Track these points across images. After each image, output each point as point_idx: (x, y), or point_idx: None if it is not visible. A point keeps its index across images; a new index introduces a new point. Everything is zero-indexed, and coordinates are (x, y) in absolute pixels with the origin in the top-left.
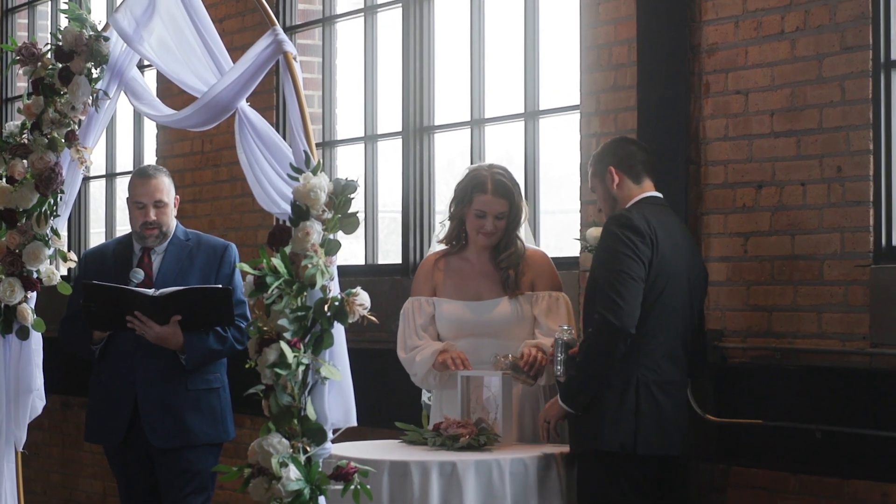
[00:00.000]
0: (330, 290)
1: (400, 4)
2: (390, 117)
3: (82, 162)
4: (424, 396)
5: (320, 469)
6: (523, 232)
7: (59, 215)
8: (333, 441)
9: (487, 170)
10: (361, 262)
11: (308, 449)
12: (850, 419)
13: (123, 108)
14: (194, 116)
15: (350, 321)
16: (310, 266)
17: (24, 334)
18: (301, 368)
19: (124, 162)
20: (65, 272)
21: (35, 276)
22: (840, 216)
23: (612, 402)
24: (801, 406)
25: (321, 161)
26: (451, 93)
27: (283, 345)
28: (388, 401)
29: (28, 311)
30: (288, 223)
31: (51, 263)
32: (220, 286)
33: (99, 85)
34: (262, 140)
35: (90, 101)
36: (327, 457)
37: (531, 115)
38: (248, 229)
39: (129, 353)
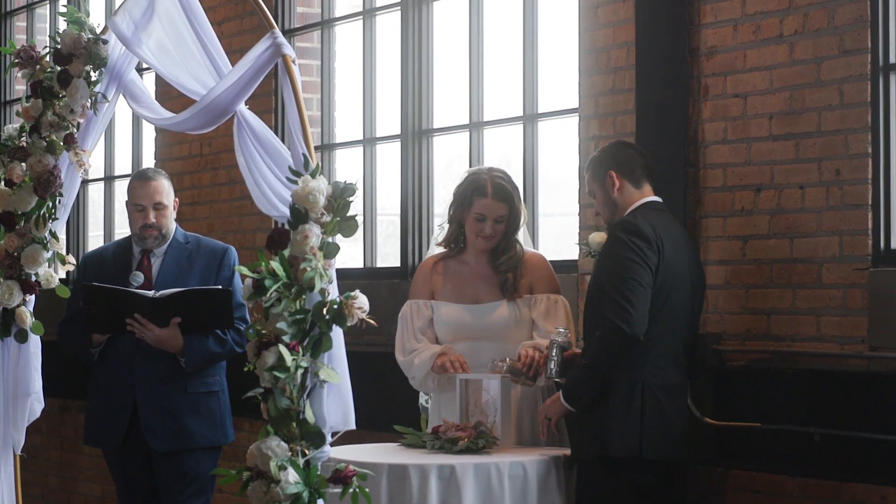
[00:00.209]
0: (328, 294)
1: (399, 7)
2: (389, 120)
3: (81, 165)
4: (422, 399)
5: (319, 472)
6: (521, 235)
7: (57, 218)
8: (332, 444)
9: (487, 173)
10: (360, 265)
11: (307, 452)
12: (849, 422)
13: (122, 111)
14: (193, 119)
15: (349, 324)
16: (308, 269)
17: (22, 337)
18: (300, 372)
19: (123, 165)
20: (63, 275)
21: (33, 279)
22: (839, 219)
23: (617, 407)
24: (800, 409)
25: (320, 164)
26: (450, 96)
27: (282, 348)
28: (386, 404)
29: (26, 314)
30: (286, 226)
31: (49, 266)
32: (220, 287)
33: (97, 88)
34: (260, 143)
35: (89, 105)
36: (326, 460)
37: (530, 118)
38: (247, 232)
39: (129, 357)
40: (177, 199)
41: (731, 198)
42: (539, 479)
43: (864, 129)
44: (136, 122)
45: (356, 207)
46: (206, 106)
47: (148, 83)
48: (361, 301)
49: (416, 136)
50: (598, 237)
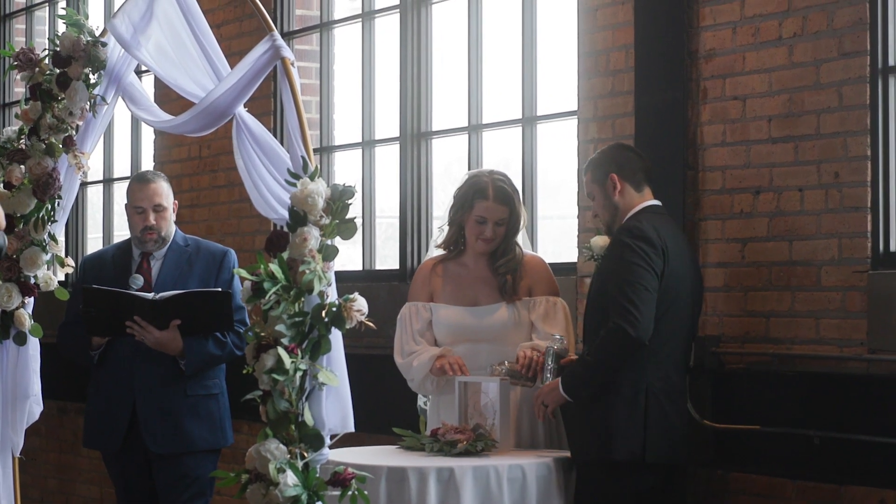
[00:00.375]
0: (327, 296)
1: (398, 10)
2: (388, 123)
3: (80, 167)
4: (420, 401)
5: (318, 475)
6: (521, 238)
7: (56, 220)
8: (331, 447)
9: (488, 176)
10: (359, 267)
11: (305, 455)
12: (848, 425)
13: (121, 114)
14: (192, 122)
15: (348, 327)
16: (307, 272)
17: (21, 340)
18: (298, 374)
19: (122, 167)
20: (62, 277)
21: (32, 281)
22: (838, 222)
23: (621, 410)
24: (799, 412)
25: (319, 166)
26: (449, 98)
27: (281, 350)
28: (385, 406)
29: (25, 316)
30: (285, 229)
31: (48, 269)
32: (220, 290)
33: (97, 90)
34: (259, 145)
35: (88, 107)
36: (325, 462)
37: (529, 120)
38: (246, 235)
39: (128, 359)
40: (176, 202)
41: (730, 200)
42: (538, 482)
43: (864, 131)
44: (135, 124)
45: (355, 210)
46: (205, 108)
47: (147, 86)
48: (360, 303)
49: (415, 139)
50: (601, 241)
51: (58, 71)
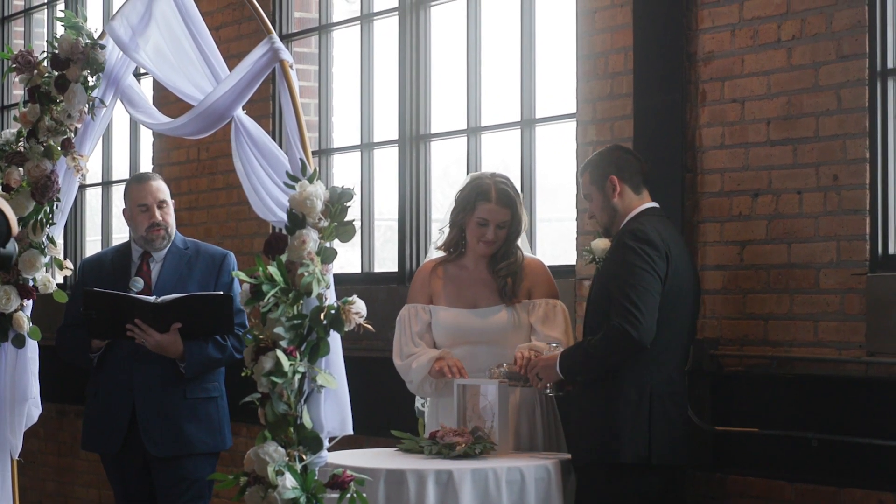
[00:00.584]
0: (326, 299)
1: (396, 13)
2: (386, 125)
3: (78, 170)
4: (418, 403)
5: (316, 477)
6: (521, 241)
7: (55, 223)
8: (329, 449)
9: (491, 178)
10: (357, 270)
11: (304, 457)
12: (847, 428)
13: (120, 116)
14: (190, 124)
15: (346, 329)
16: (306, 274)
17: (19, 342)
18: (297, 377)
19: (121, 170)
20: (61, 280)
21: (31, 283)
22: (836, 225)
23: (626, 413)
24: (798, 415)
25: (317, 169)
26: (448, 101)
27: (280, 353)
28: (384, 409)
29: (24, 319)
30: (284, 231)
31: (47, 271)
32: (221, 293)
33: (95, 93)
34: (258, 148)
35: (86, 109)
36: (323, 465)
37: (527, 123)
38: (244, 237)
39: (128, 361)
40: (174, 201)
41: (729, 203)
42: (537, 484)
43: (862, 134)
44: (134, 126)
45: (354, 212)
46: (204, 111)
47: (145, 88)
48: (359, 306)
49: (414, 141)
50: (602, 244)
51: (56, 73)
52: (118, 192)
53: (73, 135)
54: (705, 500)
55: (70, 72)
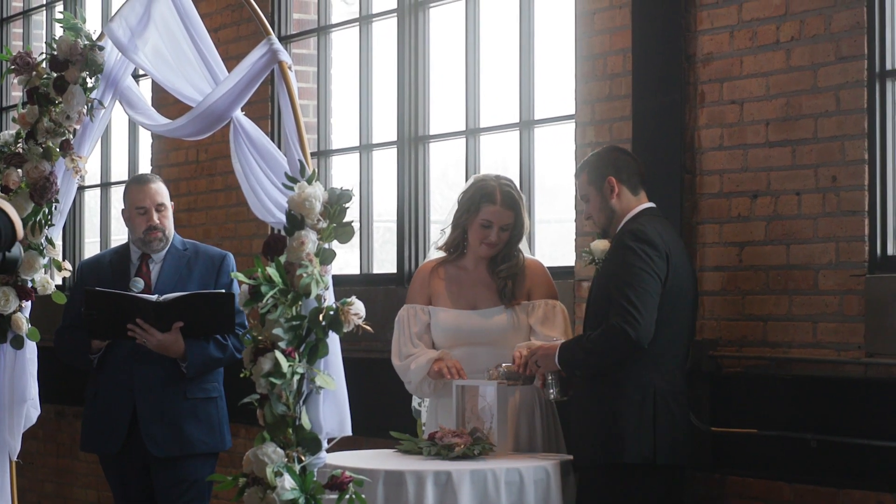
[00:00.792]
0: (325, 300)
1: (395, 14)
2: (385, 127)
3: (77, 171)
4: (415, 402)
5: (315, 479)
6: (522, 244)
7: (53, 224)
8: (328, 450)
9: (495, 180)
10: (356, 271)
11: (303, 458)
12: (846, 429)
13: (118, 118)
14: (189, 126)
15: (345, 330)
16: (305, 275)
17: (18, 343)
18: (296, 378)
19: (119, 171)
20: (59, 281)
21: (30, 285)
22: (835, 226)
23: (629, 414)
24: (797, 415)
25: (316, 170)
26: (446, 102)
27: (278, 354)
28: (382, 410)
29: (22, 320)
30: (283, 232)
31: (45, 273)
32: (224, 291)
33: (94, 94)
34: (257, 149)
35: (85, 111)
36: (322, 466)
37: (526, 124)
38: (243, 238)
39: (128, 362)
40: (173, 203)
41: (728, 204)
42: (536, 485)
43: (861, 135)
44: (133, 128)
45: (352, 214)
46: (203, 112)
47: (144, 89)
48: (358, 307)
49: (413, 143)
50: (601, 245)
51: (55, 75)
52: (117, 194)
53: (71, 136)
54: (704, 500)
55: (69, 73)
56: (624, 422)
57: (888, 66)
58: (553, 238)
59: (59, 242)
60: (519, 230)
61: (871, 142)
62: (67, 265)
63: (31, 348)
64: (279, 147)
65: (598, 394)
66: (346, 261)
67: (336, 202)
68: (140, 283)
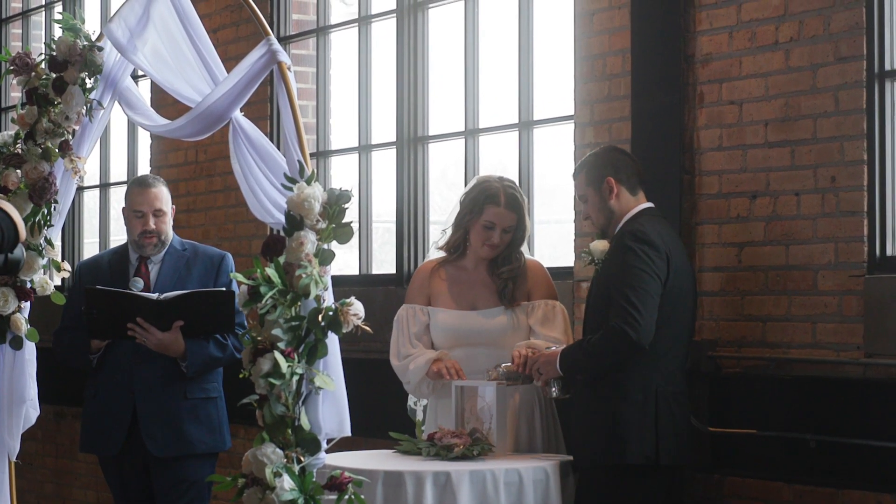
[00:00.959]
0: (324, 300)
1: (394, 15)
2: (384, 127)
3: (76, 172)
4: (410, 401)
5: (314, 479)
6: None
7: (52, 225)
8: (327, 451)
9: (499, 182)
10: (355, 272)
11: (302, 459)
12: (845, 429)
13: (117, 118)
14: (188, 126)
15: (344, 331)
16: (304, 276)
17: (17, 344)
18: (295, 378)
19: (118, 172)
20: (58, 282)
21: (29, 286)
22: (834, 226)
23: (632, 415)
24: (796, 416)
25: (315, 171)
26: (446, 103)
27: (278, 355)
28: (382, 411)
29: (22, 321)
30: (282, 233)
31: (44, 273)
32: (223, 289)
33: (93, 95)
34: (256, 150)
35: (84, 111)
36: (321, 467)
37: (525, 125)
38: (242, 239)
39: (128, 362)
40: (174, 206)
41: (727, 205)
42: (535, 486)
43: (860, 136)
44: (132, 129)
45: (351, 214)
46: (202, 113)
47: (143, 90)
48: (357, 308)
49: (412, 143)
50: (601, 245)
51: (54, 75)
52: (116, 195)
53: (70, 137)
54: (703, 501)
55: (68, 74)
56: (626, 422)
57: (887, 67)
58: (552, 239)
59: (57, 243)
60: (521, 232)
61: (871, 142)
62: (66, 266)
63: (30, 349)
64: (278, 147)
65: (600, 395)
66: (346, 261)
67: (335, 203)
68: (140, 282)
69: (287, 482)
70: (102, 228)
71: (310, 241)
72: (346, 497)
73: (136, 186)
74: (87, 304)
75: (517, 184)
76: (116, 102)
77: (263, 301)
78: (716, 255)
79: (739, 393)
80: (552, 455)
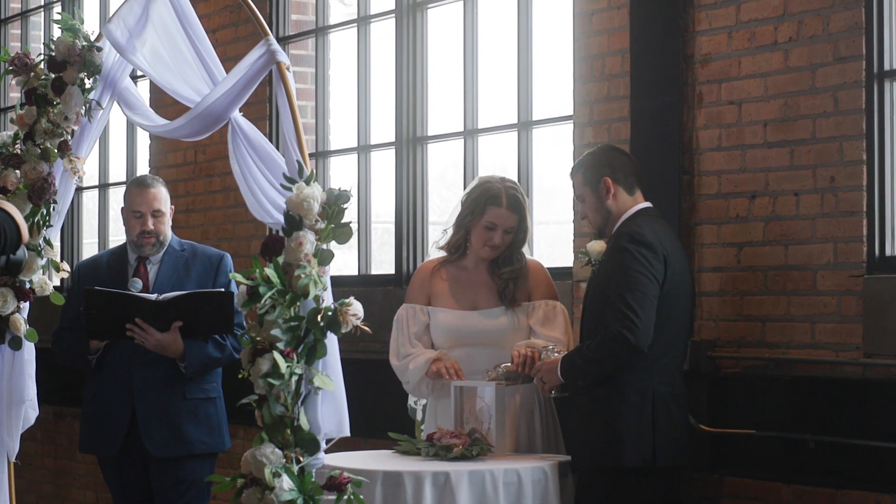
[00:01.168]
0: (323, 301)
1: (393, 15)
2: (383, 127)
3: (75, 172)
4: (411, 401)
5: (313, 479)
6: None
7: (51, 225)
8: (326, 451)
9: (500, 183)
10: (354, 272)
11: (301, 459)
12: (844, 429)
13: (116, 119)
14: (187, 126)
15: (343, 331)
16: (303, 276)
17: (16, 344)
18: (294, 378)
19: (117, 172)
20: (58, 282)
21: (28, 286)
22: (833, 226)
23: (629, 416)
24: (795, 416)
25: (314, 171)
26: (445, 103)
27: (277, 355)
28: (381, 411)
29: (21, 321)
30: (281, 233)
31: (44, 274)
32: (223, 290)
33: (92, 95)
34: (255, 150)
35: (83, 112)
36: (320, 467)
37: (524, 125)
38: (241, 239)
39: (127, 362)
40: (173, 207)
41: (726, 205)
42: (534, 486)
43: (859, 136)
44: (131, 129)
45: (350, 214)
46: (201, 113)
47: (142, 90)
48: (356, 308)
49: (411, 144)
50: (598, 246)
51: (53, 76)
52: (115, 195)
53: (69, 137)
54: (702, 501)
55: (67, 74)
56: (624, 424)
57: (886, 67)
58: (551, 239)
59: (57, 243)
60: (522, 234)
61: (870, 142)
62: (65, 266)
63: (29, 349)
64: (277, 148)
65: (598, 396)
66: (345, 261)
67: (334, 203)
68: (139, 283)
69: (286, 482)
70: (101, 229)
71: (309, 241)
72: (346, 497)
73: (135, 187)
74: (86, 305)
75: (518, 185)
76: (115, 103)
77: (262, 301)
78: (715, 256)
79: (739, 393)
80: (551, 455)
